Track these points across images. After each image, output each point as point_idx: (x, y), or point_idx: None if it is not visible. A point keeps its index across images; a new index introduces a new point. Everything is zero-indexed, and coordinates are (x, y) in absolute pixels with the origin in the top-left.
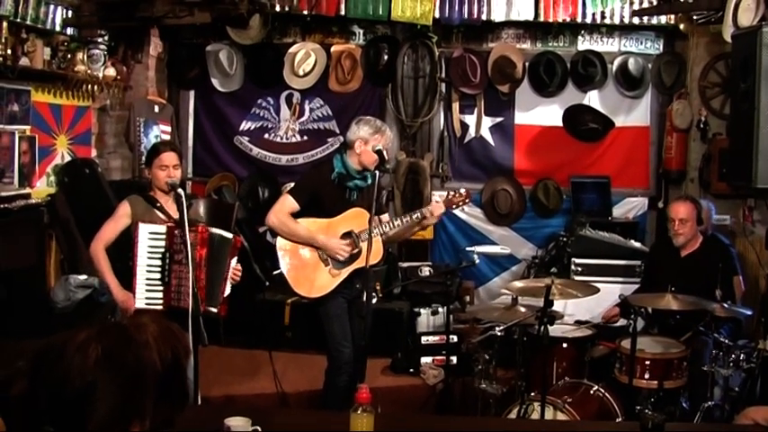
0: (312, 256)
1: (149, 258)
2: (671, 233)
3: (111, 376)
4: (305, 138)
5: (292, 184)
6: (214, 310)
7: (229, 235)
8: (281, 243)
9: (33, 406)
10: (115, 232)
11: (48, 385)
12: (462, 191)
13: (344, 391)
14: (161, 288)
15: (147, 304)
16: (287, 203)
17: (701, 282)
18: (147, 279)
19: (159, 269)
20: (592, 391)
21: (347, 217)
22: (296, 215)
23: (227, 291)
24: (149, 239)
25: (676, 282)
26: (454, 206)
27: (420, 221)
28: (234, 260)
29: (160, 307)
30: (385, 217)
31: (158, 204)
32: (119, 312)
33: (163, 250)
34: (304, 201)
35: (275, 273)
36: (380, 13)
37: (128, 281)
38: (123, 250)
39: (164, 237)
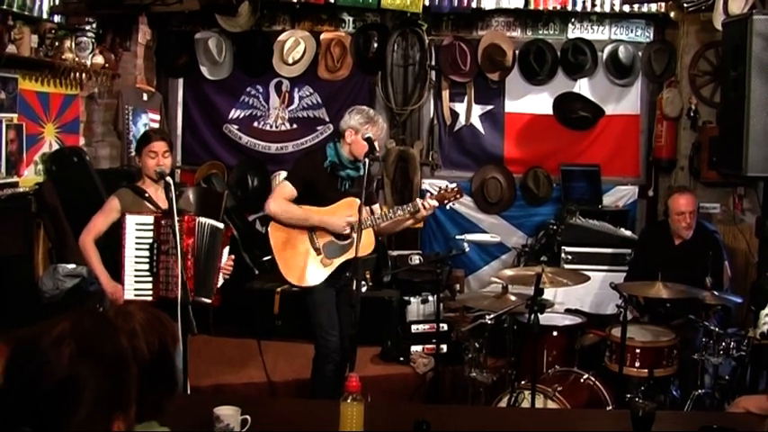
0: (305, 245)
1: (137, 249)
2: (679, 226)
3: (88, 370)
4: (294, 126)
5: (283, 173)
6: (207, 300)
7: (220, 225)
8: (273, 231)
9: (9, 405)
10: (105, 226)
11: (22, 384)
12: (454, 186)
13: (332, 380)
14: (150, 279)
15: (136, 295)
16: (286, 189)
17: (694, 269)
18: (136, 270)
19: (147, 260)
20: (582, 380)
21: (339, 206)
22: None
23: (220, 281)
24: (136, 230)
25: (670, 269)
26: (446, 201)
27: (413, 215)
28: (226, 250)
29: (150, 298)
30: (376, 207)
31: (146, 195)
32: (107, 301)
33: (150, 241)
34: (300, 187)
35: (265, 259)
36: (370, 0)
37: (117, 271)
38: (112, 240)
39: (151, 227)
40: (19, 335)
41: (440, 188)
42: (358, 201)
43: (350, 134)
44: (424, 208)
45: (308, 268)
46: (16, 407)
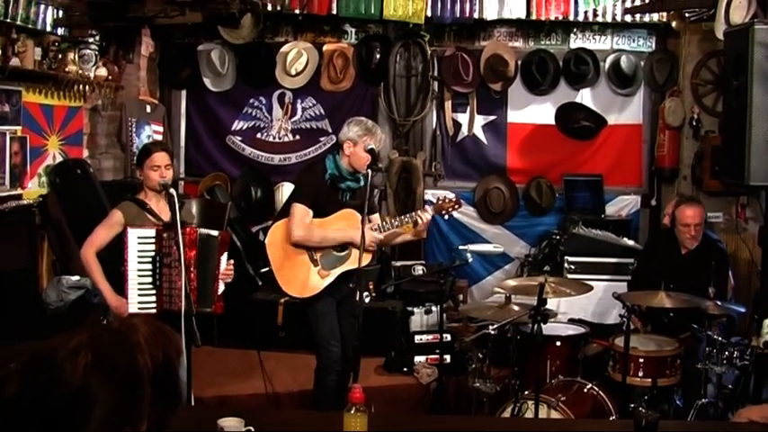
0: (302, 256)
1: (140, 263)
2: (684, 237)
3: (102, 383)
4: (297, 137)
5: (286, 184)
6: (208, 310)
7: (215, 232)
8: (270, 242)
9: (22, 413)
10: (107, 239)
11: (36, 393)
12: (452, 196)
13: (335, 391)
14: (153, 292)
15: (140, 309)
16: (302, 212)
17: (700, 279)
18: (139, 283)
19: (150, 273)
20: (585, 390)
21: (338, 217)
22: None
23: (221, 288)
24: (139, 244)
25: (676, 279)
26: (444, 212)
27: (413, 224)
28: (224, 257)
29: (153, 310)
30: (375, 217)
31: (148, 207)
32: (111, 313)
33: (153, 254)
34: (311, 203)
35: (263, 270)
36: (372, 11)
37: (120, 285)
38: (114, 254)
39: (153, 240)
40: (38, 345)
41: (438, 198)
42: (356, 212)
43: (348, 146)
44: (421, 219)
45: (306, 279)
46: (29, 415)
